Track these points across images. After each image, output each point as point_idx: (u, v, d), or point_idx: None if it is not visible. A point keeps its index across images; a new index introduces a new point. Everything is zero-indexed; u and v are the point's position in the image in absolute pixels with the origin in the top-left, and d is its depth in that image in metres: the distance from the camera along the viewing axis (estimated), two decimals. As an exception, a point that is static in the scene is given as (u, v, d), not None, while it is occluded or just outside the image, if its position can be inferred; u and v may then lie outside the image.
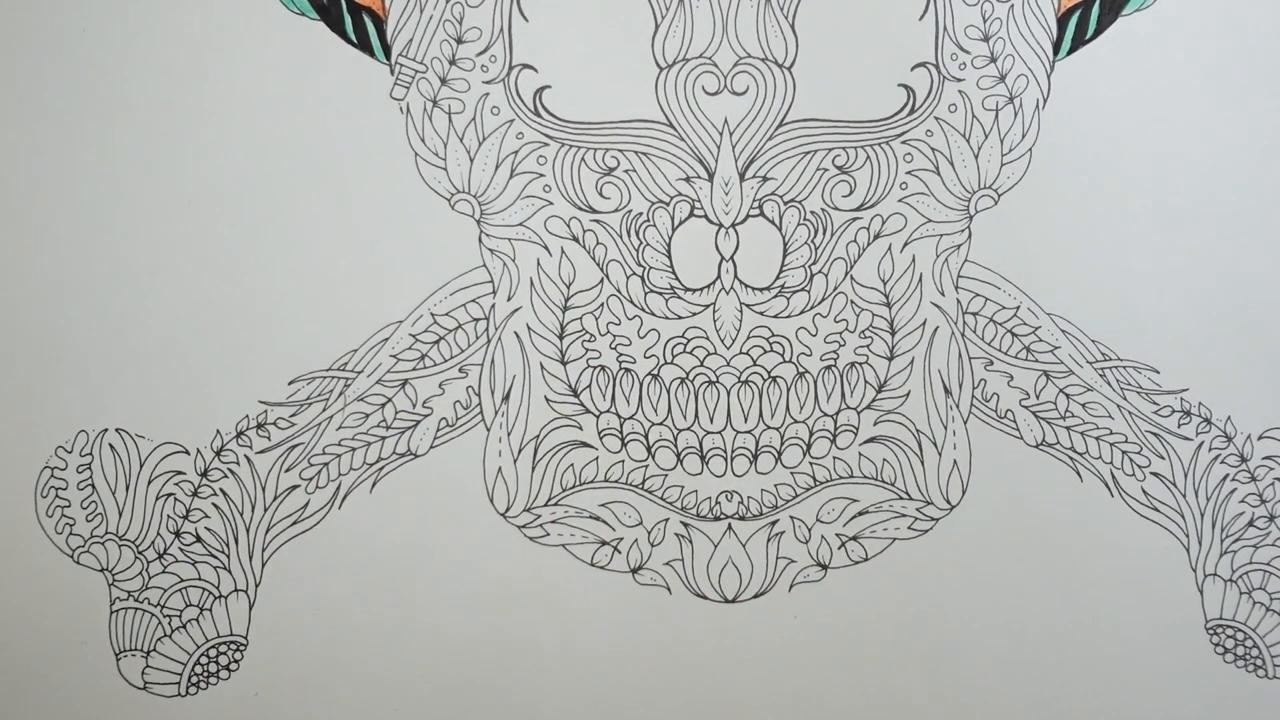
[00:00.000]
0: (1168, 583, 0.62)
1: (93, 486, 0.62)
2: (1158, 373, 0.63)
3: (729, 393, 0.63)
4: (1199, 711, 0.62)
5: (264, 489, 0.62)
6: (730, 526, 0.63)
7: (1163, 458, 0.63)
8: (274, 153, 0.62)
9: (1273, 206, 0.63)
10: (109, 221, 0.62)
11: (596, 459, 0.63)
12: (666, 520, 0.63)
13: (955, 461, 0.63)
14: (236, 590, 0.62)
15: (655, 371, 0.63)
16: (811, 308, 0.63)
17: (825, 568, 0.63)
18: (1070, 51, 0.62)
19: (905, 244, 0.63)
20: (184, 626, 0.62)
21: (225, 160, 0.62)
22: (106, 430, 0.62)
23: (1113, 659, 0.62)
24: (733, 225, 0.62)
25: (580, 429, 0.63)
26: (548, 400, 0.63)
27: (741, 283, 0.62)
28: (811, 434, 0.63)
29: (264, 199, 0.62)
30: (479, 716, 0.62)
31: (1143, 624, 0.62)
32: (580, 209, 0.62)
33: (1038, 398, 0.63)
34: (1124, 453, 0.63)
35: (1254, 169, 0.63)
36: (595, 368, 0.63)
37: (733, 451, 0.63)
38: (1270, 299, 0.63)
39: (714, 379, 0.63)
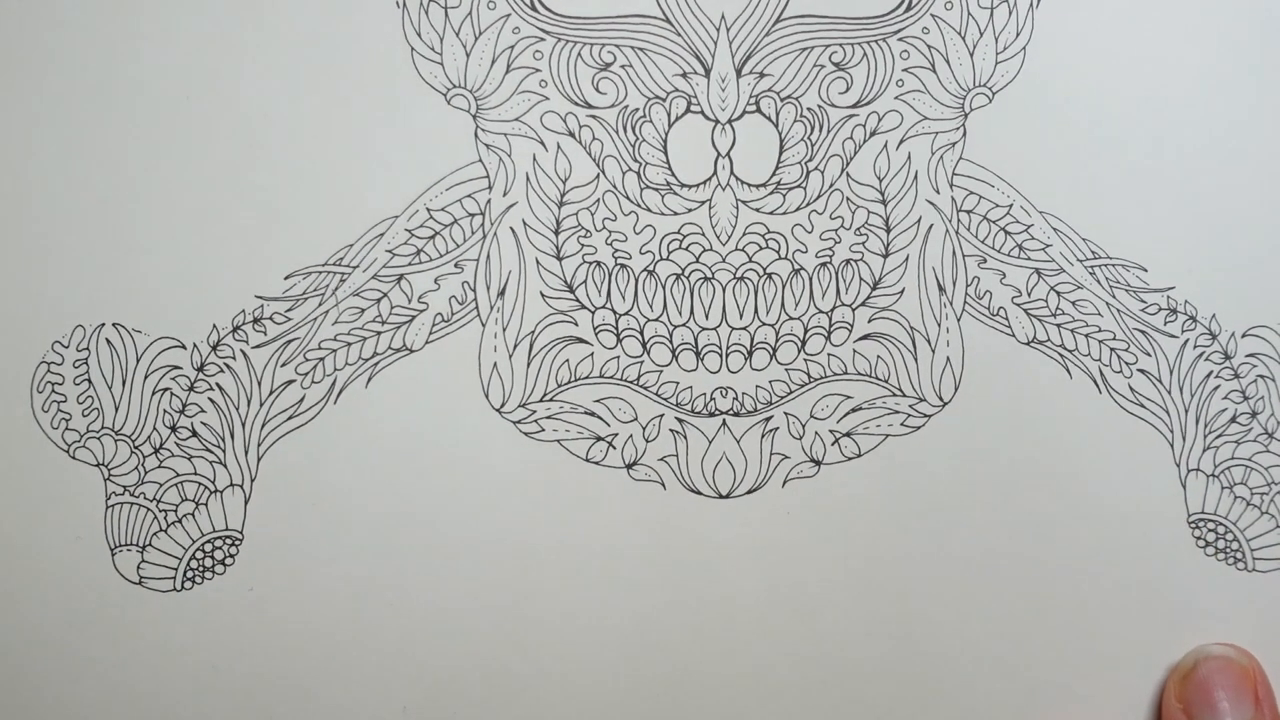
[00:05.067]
0: (1152, 478, 0.63)
1: (89, 381, 0.62)
2: (1146, 270, 0.64)
3: (724, 289, 0.63)
4: (1180, 603, 0.63)
5: (260, 384, 0.62)
6: (724, 423, 0.63)
7: (1149, 355, 0.64)
8: (270, 48, 0.62)
9: (1265, 105, 0.63)
10: (104, 117, 0.61)
11: (592, 355, 0.63)
12: (661, 416, 0.63)
13: (948, 359, 0.63)
14: (232, 485, 0.62)
15: (651, 267, 0.63)
16: (807, 204, 0.63)
17: (819, 463, 0.64)
18: (1066, -50, 0.62)
19: (901, 141, 0.63)
20: (180, 521, 0.63)
21: (222, 56, 0.61)
22: (104, 325, 0.62)
23: (1098, 552, 0.63)
24: (729, 121, 0.62)
25: (575, 324, 0.63)
26: (543, 296, 0.63)
27: (738, 179, 0.63)
28: (806, 330, 0.63)
29: (260, 95, 0.62)
30: (473, 609, 0.63)
31: (1128, 518, 0.63)
32: (576, 104, 0.62)
33: (1029, 295, 0.64)
34: (1112, 350, 0.64)
35: (1249, 66, 0.63)
36: (591, 263, 0.63)
37: (728, 348, 0.63)
38: (1258, 199, 0.63)
39: (709, 275, 0.63)
